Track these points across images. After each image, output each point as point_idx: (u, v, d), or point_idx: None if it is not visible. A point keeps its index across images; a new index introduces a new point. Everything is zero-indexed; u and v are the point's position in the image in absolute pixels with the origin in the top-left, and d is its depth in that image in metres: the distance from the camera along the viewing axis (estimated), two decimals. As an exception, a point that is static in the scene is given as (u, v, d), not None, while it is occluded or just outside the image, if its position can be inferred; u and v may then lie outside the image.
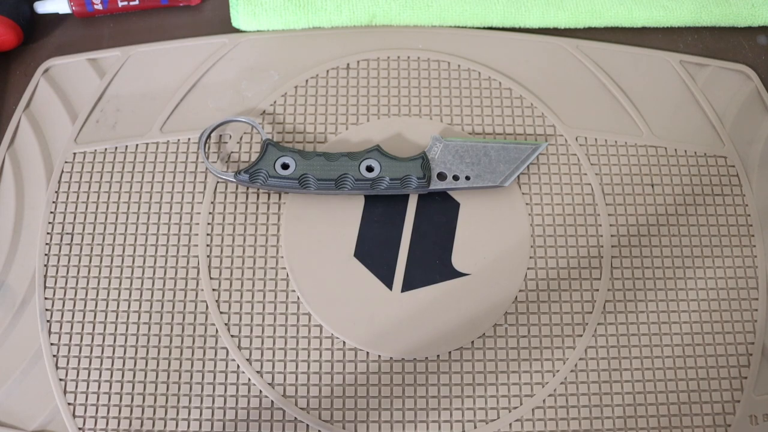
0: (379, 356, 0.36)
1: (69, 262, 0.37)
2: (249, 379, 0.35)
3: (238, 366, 0.35)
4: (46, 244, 0.38)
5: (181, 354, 0.35)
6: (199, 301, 0.36)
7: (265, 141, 0.38)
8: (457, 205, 0.39)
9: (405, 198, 0.39)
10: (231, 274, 0.37)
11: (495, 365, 0.36)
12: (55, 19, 0.44)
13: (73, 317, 0.36)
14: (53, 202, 0.39)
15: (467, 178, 0.38)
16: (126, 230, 0.38)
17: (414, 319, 0.36)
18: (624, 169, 0.40)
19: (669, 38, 0.45)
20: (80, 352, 0.35)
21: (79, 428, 0.34)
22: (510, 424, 0.34)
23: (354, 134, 0.40)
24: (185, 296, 0.37)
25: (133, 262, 0.37)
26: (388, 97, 0.41)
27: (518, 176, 0.39)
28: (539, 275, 0.37)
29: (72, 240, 0.38)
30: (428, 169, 0.38)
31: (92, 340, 0.36)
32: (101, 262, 0.37)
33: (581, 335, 0.36)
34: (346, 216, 0.38)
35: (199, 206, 0.38)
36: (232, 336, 0.36)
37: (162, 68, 0.42)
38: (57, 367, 0.35)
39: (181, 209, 0.38)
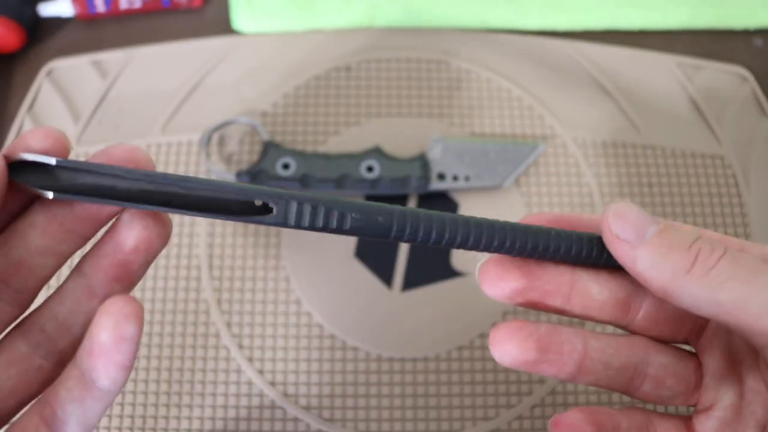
0: (380, 355, 0.36)
1: (72, 262, 0.37)
2: (250, 379, 0.35)
3: (239, 365, 0.35)
4: (49, 243, 0.38)
5: (183, 353, 0.36)
6: (200, 301, 0.37)
7: (266, 142, 0.39)
8: (456, 206, 0.39)
9: (405, 198, 0.39)
10: (232, 274, 0.37)
11: (494, 364, 0.36)
12: (58, 21, 0.44)
13: (75, 316, 0.36)
14: (55, 202, 0.39)
15: (466, 178, 0.38)
16: (128, 230, 0.38)
17: (414, 318, 0.36)
18: (622, 170, 0.40)
19: (666, 40, 0.45)
20: (82, 351, 0.36)
21: (81, 427, 0.34)
22: (509, 423, 0.35)
23: (354, 134, 0.41)
24: (186, 296, 0.37)
25: (135, 261, 0.37)
26: (388, 97, 0.42)
27: (517, 177, 0.40)
28: (538, 275, 0.38)
29: (74, 240, 0.38)
30: (428, 170, 0.38)
31: (94, 339, 0.36)
32: (103, 261, 0.37)
33: (580, 334, 0.36)
34: (346, 216, 0.38)
35: (201, 206, 0.39)
36: (233, 336, 0.36)
37: (164, 70, 0.42)
38: (59, 366, 0.35)
39: (183, 209, 0.39)
